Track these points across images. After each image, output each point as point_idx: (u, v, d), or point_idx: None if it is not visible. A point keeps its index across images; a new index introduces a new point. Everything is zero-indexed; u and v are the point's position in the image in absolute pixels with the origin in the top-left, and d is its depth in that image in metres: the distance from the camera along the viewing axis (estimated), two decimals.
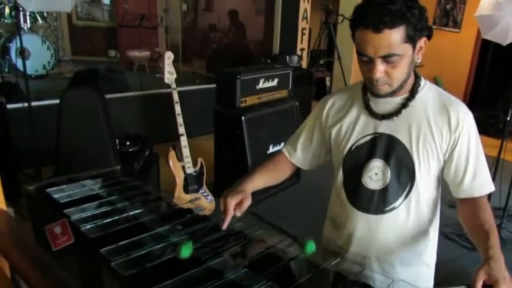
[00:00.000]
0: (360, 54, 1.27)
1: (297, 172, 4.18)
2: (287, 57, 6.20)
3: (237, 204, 1.38)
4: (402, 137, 1.37)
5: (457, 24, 7.72)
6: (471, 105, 7.07)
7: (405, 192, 1.39)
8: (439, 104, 1.37)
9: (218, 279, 1.13)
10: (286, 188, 4.10)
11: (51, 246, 1.38)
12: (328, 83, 8.39)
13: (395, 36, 1.20)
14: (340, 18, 6.53)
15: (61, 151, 2.83)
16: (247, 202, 1.41)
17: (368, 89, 1.41)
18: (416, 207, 1.41)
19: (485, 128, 6.52)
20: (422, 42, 1.28)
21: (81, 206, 1.50)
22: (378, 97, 1.37)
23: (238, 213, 1.38)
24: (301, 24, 6.71)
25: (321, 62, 8.65)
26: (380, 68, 1.25)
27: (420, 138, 1.35)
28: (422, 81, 1.41)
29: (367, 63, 1.27)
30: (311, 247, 1.31)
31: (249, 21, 7.72)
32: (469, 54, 7.67)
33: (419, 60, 1.32)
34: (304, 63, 6.87)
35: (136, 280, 1.12)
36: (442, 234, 3.41)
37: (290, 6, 6.54)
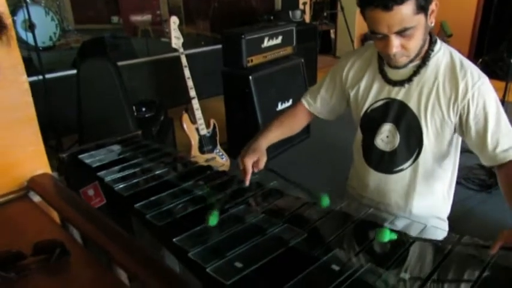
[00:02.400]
0: (373, 32, 1.26)
1: (307, 128, 4.31)
2: (290, 12, 6.13)
3: (255, 162, 1.49)
4: (412, 104, 1.39)
5: None
6: (478, 49, 7.05)
7: (413, 157, 1.45)
8: (450, 71, 1.36)
9: (240, 224, 1.27)
10: (297, 144, 4.22)
11: None
12: (332, 36, 8.33)
13: (406, 10, 1.17)
14: None
15: (83, 121, 2.98)
16: (264, 159, 1.52)
17: (384, 58, 1.41)
18: (424, 170, 1.47)
19: (493, 71, 6.53)
20: (433, 5, 1.24)
21: (111, 168, 1.65)
22: (396, 68, 1.38)
23: (256, 170, 1.50)
24: None
25: (325, 14, 8.58)
26: (395, 43, 1.24)
27: (429, 106, 1.37)
28: (437, 46, 1.38)
29: (381, 39, 1.27)
30: (326, 201, 1.41)
31: None
32: None
33: (432, 24, 1.28)
34: (307, 18, 6.81)
35: (169, 229, 1.26)
36: None
37: None
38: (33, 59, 4.04)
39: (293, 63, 4.28)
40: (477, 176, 3.62)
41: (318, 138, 4.31)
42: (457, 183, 3.58)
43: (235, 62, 3.82)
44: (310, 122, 1.77)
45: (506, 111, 3.76)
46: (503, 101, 3.82)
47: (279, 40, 4.12)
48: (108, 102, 3.01)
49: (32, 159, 1.49)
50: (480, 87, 1.33)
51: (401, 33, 1.23)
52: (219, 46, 4.09)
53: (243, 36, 3.72)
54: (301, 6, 6.65)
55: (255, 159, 1.50)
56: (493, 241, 1.10)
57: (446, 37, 7.83)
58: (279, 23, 4.52)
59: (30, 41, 3.77)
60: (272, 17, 5.97)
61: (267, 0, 6.80)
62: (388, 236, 1.16)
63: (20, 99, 1.43)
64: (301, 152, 4.16)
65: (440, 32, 7.92)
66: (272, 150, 3.91)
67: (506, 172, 1.32)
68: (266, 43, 3.97)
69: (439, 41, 1.40)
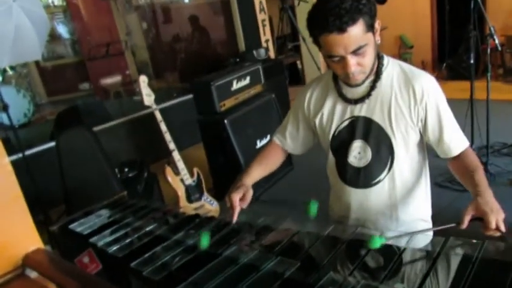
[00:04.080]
0: (330, 56, 1.37)
1: (290, 159, 4.38)
2: (254, 52, 6.29)
3: (241, 198, 1.55)
4: (376, 117, 1.50)
5: None
6: (441, 54, 7.32)
7: (388, 166, 1.54)
8: (403, 79, 1.48)
9: (235, 265, 1.30)
10: (283, 177, 4.29)
11: None
12: (300, 66, 8.52)
13: (358, 30, 1.30)
14: (296, 1, 6.67)
15: (68, 191, 3.00)
16: (250, 194, 1.57)
17: (342, 80, 1.52)
18: (401, 176, 1.56)
19: (458, 73, 6.75)
20: (376, 24, 1.38)
21: (103, 233, 1.66)
22: (355, 87, 1.49)
23: (244, 206, 1.55)
24: (260, 16, 6.80)
25: (289, 47, 8.81)
26: (352, 62, 1.36)
27: (392, 114, 1.47)
28: (385, 60, 1.51)
29: (338, 62, 1.38)
30: (314, 208, 1.47)
31: (210, 24, 7.81)
32: (427, 5, 7.89)
33: (379, 41, 1.42)
34: (272, 54, 6.99)
35: (167, 281, 1.28)
36: (435, 184, 3.59)
37: (245, 1, 6.65)
38: (11, 139, 4.08)
39: (265, 100, 4.38)
40: None
41: (302, 168, 4.38)
42: (443, 186, 3.68)
43: (209, 109, 3.90)
44: (286, 157, 1.82)
45: (475, 109, 3.84)
46: (471, 100, 3.91)
47: (247, 81, 4.23)
48: (91, 169, 3.06)
49: (24, 236, 1.52)
50: (433, 89, 1.48)
51: (356, 52, 1.34)
52: (190, 96, 4.17)
53: (211, 83, 3.82)
54: (264, 44, 6.82)
55: (241, 195, 1.55)
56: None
57: (408, 49, 8.10)
58: (244, 64, 4.64)
59: (6, 121, 3.80)
60: (238, 59, 6.11)
61: (231, 44, 6.98)
62: (378, 242, 1.23)
63: (4, 182, 1.48)
64: (287, 184, 4.22)
65: (401, 45, 8.20)
66: (258, 187, 3.97)
67: (461, 163, 1.49)
68: (235, 85, 4.08)
69: (385, 56, 1.52)
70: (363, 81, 1.47)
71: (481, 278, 1.07)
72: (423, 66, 7.52)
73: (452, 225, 1.29)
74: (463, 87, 4.30)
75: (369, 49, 1.37)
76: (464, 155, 1.50)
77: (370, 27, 1.35)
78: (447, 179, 3.67)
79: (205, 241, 1.41)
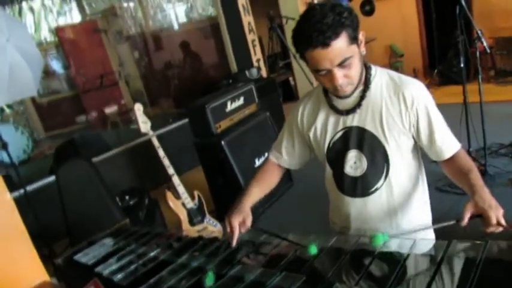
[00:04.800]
0: (317, 70, 1.40)
1: (289, 175, 4.38)
2: (246, 72, 6.32)
3: (241, 222, 1.55)
4: (369, 126, 1.52)
5: None
6: (431, 61, 7.36)
7: (384, 174, 1.55)
8: (392, 86, 1.51)
9: (241, 284, 1.31)
10: (284, 193, 4.26)
11: None
12: (292, 83, 8.57)
13: (341, 43, 1.33)
14: (284, 20, 6.75)
15: (71, 223, 3.00)
16: (249, 219, 1.57)
17: (331, 93, 1.55)
18: (398, 183, 1.57)
19: (450, 78, 6.79)
20: (360, 36, 1.41)
21: (107, 261, 1.67)
22: (345, 98, 1.52)
23: (243, 230, 1.56)
24: (250, 37, 6.87)
25: (280, 65, 8.88)
26: (339, 74, 1.38)
27: (383, 122, 1.50)
28: (373, 70, 1.54)
29: (325, 75, 1.41)
30: (313, 250, 1.45)
31: (201, 49, 7.91)
32: (414, 14, 7.99)
33: (364, 52, 1.45)
34: (264, 73, 7.04)
35: None
36: (436, 188, 3.59)
37: (234, 24, 6.70)
38: (12, 176, 4.09)
39: (260, 119, 4.39)
40: None
41: (302, 184, 4.35)
42: (443, 191, 3.67)
43: (205, 131, 3.90)
44: (284, 173, 1.84)
45: (470, 112, 3.83)
46: (465, 103, 3.92)
47: (241, 101, 4.24)
48: (92, 200, 3.06)
49: (30, 270, 1.53)
50: (423, 95, 1.50)
51: (342, 64, 1.37)
52: (186, 120, 4.18)
53: (206, 106, 3.83)
54: (255, 64, 6.86)
55: (241, 220, 1.55)
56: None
57: (399, 57, 8.18)
58: (238, 85, 4.65)
59: (6, 159, 3.82)
60: (231, 81, 6.14)
61: (223, 66, 7.03)
62: (381, 239, 1.28)
63: (8, 218, 1.49)
64: (288, 201, 4.19)
65: (392, 55, 8.28)
66: (261, 205, 3.94)
67: (454, 165, 1.51)
68: (230, 106, 4.08)
69: (373, 66, 1.55)
70: (352, 92, 1.50)
71: (486, 279, 1.08)
72: (415, 73, 7.58)
73: (453, 222, 1.32)
74: (455, 91, 4.33)
75: (355, 61, 1.40)
76: (457, 157, 1.52)
77: (354, 39, 1.37)
78: (447, 183, 3.66)
79: (209, 281, 1.39)
